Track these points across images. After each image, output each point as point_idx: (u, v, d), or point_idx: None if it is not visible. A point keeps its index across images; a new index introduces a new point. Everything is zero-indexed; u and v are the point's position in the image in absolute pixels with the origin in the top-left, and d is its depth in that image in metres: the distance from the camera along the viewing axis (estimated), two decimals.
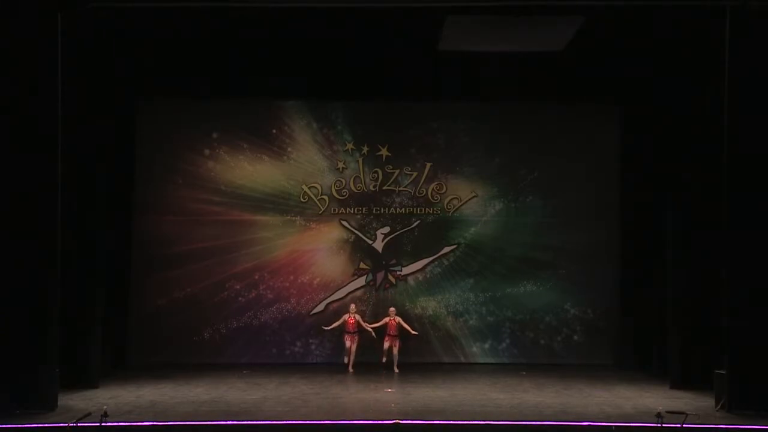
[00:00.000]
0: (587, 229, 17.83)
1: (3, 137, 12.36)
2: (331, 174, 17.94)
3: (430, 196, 17.96)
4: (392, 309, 16.95)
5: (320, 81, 16.88)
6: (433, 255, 17.94)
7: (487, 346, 17.86)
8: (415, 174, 17.96)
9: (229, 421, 11.51)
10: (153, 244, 17.54)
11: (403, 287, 17.91)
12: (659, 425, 9.66)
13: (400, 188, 17.99)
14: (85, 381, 14.16)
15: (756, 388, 12.34)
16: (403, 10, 13.53)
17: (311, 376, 15.77)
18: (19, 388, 12.10)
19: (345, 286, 17.85)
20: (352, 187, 17.94)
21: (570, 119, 17.92)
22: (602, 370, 16.78)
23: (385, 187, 17.98)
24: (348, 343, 16.64)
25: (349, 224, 17.95)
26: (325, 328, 17.25)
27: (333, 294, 17.80)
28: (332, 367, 16.88)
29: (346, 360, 16.66)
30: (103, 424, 9.63)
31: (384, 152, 17.93)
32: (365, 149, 17.93)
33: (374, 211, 17.98)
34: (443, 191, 17.97)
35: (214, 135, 17.84)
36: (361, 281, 17.89)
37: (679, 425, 9.95)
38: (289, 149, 17.90)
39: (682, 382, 14.54)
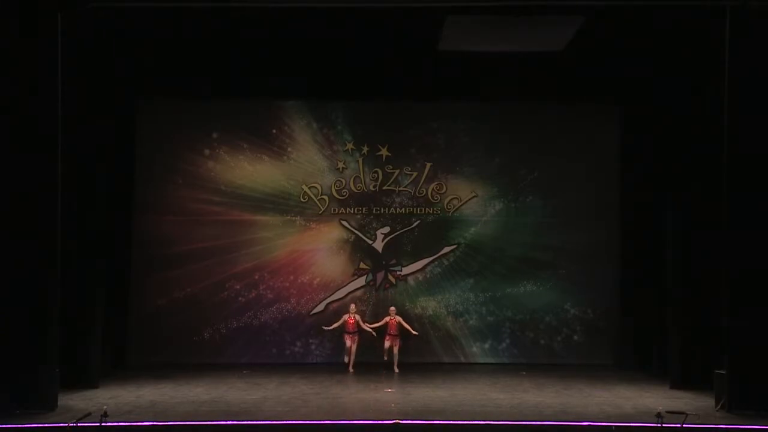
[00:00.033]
0: (587, 229, 17.83)
1: (3, 137, 12.36)
2: (331, 174, 17.94)
3: (430, 196, 17.96)
4: (392, 308, 16.95)
5: (320, 81, 16.88)
6: (433, 255, 17.93)
7: (487, 346, 17.86)
8: (415, 174, 17.96)
9: (229, 421, 11.51)
10: (153, 244, 17.54)
11: (403, 287, 17.90)
12: (659, 425, 9.67)
13: (400, 188, 17.99)
14: (85, 381, 14.16)
15: (756, 388, 12.34)
16: (403, 10, 13.53)
17: (311, 376, 15.76)
18: (19, 388, 12.09)
19: (345, 286, 17.84)
20: (352, 187, 17.93)
21: (570, 119, 17.92)
22: (602, 370, 16.78)
23: (385, 187, 17.98)
24: (348, 343, 16.64)
25: (349, 224, 17.94)
26: (326, 328, 17.24)
27: (333, 294, 17.79)
28: (332, 367, 16.87)
29: (346, 360, 16.67)
30: (103, 424, 9.63)
31: (384, 152, 17.93)
32: (365, 149, 17.93)
33: (374, 211, 17.97)
34: (443, 191, 17.97)
35: (214, 135, 17.84)
36: (361, 281, 17.89)
37: (679, 425, 9.96)
38: (289, 149, 17.90)
39: (682, 382, 14.55)
